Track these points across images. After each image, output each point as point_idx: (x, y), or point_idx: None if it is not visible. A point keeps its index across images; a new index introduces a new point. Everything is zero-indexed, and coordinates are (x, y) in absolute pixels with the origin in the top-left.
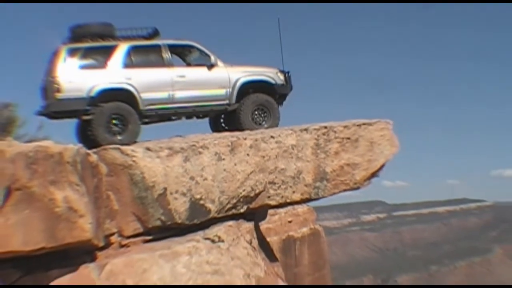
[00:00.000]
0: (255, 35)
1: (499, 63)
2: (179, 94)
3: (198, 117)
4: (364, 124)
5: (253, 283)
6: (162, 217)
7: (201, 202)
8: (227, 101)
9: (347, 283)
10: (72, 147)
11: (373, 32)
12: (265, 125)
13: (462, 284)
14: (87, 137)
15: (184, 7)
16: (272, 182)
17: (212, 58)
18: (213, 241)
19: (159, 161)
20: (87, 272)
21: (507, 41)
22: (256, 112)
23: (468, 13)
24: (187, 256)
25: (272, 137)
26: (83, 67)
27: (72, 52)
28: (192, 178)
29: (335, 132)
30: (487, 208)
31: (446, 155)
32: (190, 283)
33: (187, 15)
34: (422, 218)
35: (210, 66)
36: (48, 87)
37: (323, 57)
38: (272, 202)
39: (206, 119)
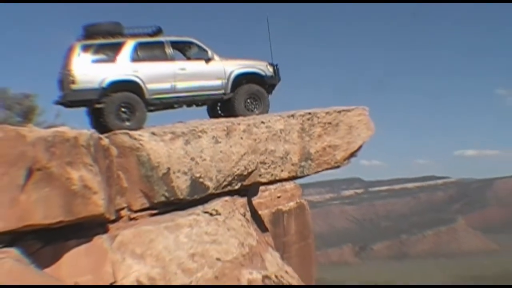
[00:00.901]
0: (249, 31)
1: (464, 47)
2: (181, 84)
3: (197, 105)
4: (343, 110)
5: (247, 251)
6: (166, 193)
7: (201, 180)
8: (223, 91)
9: (330, 250)
10: (86, 132)
11: (351, 26)
12: (257, 112)
13: (430, 250)
14: (99, 123)
15: (184, 6)
16: (263, 162)
17: (209, 52)
18: (211, 214)
19: (163, 144)
20: (100, 242)
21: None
22: (248, 100)
23: None
24: (188, 228)
25: (262, 122)
26: (95, 61)
27: (85, 48)
28: (192, 159)
29: (318, 117)
30: (452, 184)
31: (415, 138)
32: (191, 251)
33: (187, 13)
34: (394, 193)
35: (208, 60)
36: (64, 79)
37: (308, 49)
38: (263, 180)
39: (205, 107)
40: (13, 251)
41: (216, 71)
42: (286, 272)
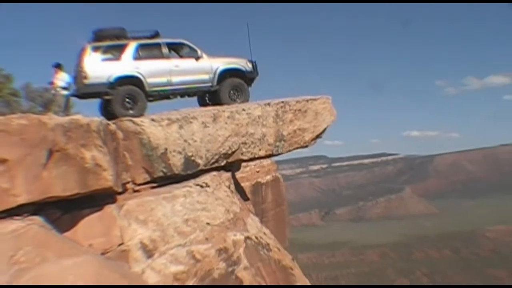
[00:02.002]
0: (234, 30)
1: (412, 45)
2: (175, 79)
3: (189, 95)
4: (311, 99)
5: (231, 216)
6: (164, 170)
7: (192, 158)
8: (210, 84)
9: (300, 215)
10: (97, 119)
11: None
12: (239, 101)
13: (382, 214)
14: (108, 111)
15: (176, 7)
16: (244, 143)
17: (199, 52)
18: (201, 186)
19: (161, 129)
20: (110, 211)
21: None
22: (231, 92)
23: None
24: (183, 198)
25: (243, 110)
26: (104, 60)
27: (95, 49)
28: (185, 140)
29: (289, 105)
30: (400, 159)
31: (370, 121)
32: (185, 217)
33: (176, 12)
34: (353, 167)
35: (197, 58)
36: (78, 75)
37: (282, 44)
38: (244, 157)
39: (195, 97)
40: (38, 219)
41: (204, 67)
42: (264, 233)
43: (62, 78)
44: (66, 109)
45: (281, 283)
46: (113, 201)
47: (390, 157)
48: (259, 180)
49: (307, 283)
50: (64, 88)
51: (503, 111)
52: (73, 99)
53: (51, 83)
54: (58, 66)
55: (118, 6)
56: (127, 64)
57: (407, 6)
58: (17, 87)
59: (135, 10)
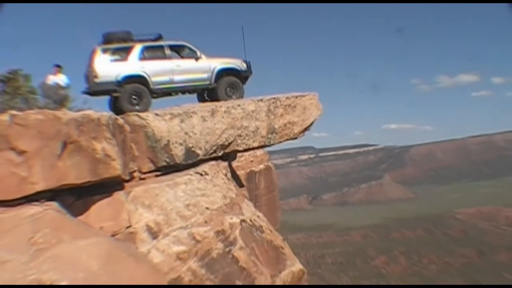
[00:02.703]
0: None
1: (391, 46)
2: (177, 77)
3: (189, 92)
4: (299, 95)
5: (228, 201)
6: (167, 159)
7: (193, 149)
8: (208, 82)
9: (290, 200)
10: (106, 114)
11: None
12: (234, 97)
13: (364, 199)
14: (116, 107)
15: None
16: (239, 135)
17: (198, 53)
18: (201, 174)
19: (164, 123)
20: (118, 197)
21: None
22: (228, 89)
23: None
24: (184, 185)
25: (239, 105)
26: (112, 60)
27: (105, 51)
28: (186, 133)
29: (280, 101)
30: (380, 149)
31: (354, 115)
32: (187, 202)
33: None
34: (338, 156)
35: (197, 58)
36: (89, 75)
37: (271, 45)
38: (240, 148)
39: (195, 94)
40: (54, 204)
41: (203, 67)
42: (258, 216)
43: (60, 79)
44: (59, 106)
45: (273, 262)
46: (121, 188)
47: (371, 148)
48: (253, 168)
49: (297, 261)
50: (62, 88)
51: (471, 106)
52: (85, 96)
53: (57, 84)
54: (59, 67)
55: (124, 7)
56: (134, 64)
57: (386, 6)
58: (34, 85)
59: (139, 10)
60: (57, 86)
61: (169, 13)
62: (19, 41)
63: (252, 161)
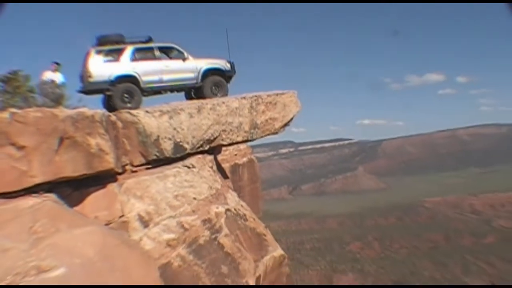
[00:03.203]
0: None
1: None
2: (165, 77)
3: (177, 91)
4: (279, 93)
5: (214, 192)
6: (157, 153)
7: (181, 143)
8: (195, 81)
9: (271, 190)
10: (100, 111)
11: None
12: (219, 95)
13: (340, 189)
14: (109, 105)
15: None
16: (224, 130)
17: (185, 54)
18: (188, 167)
19: (154, 119)
20: (112, 188)
21: None
22: (213, 87)
23: None
24: (173, 177)
25: (223, 102)
26: (106, 61)
27: (98, 52)
28: (174, 129)
29: (262, 99)
30: (354, 143)
31: (330, 111)
32: (175, 193)
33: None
34: (316, 150)
35: (184, 59)
36: (84, 75)
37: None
38: (224, 143)
39: (182, 92)
40: (52, 196)
41: (190, 67)
42: (242, 206)
43: (56, 77)
44: (56, 104)
45: (256, 248)
46: (115, 180)
47: (346, 142)
48: (236, 161)
49: (278, 247)
50: (57, 86)
51: (438, 103)
52: (80, 95)
53: (52, 80)
54: (57, 65)
55: (118, 9)
56: (125, 65)
57: (362, 6)
58: (32, 84)
59: (132, 12)
60: (53, 84)
61: (156, 16)
62: (18, 41)
63: (236, 155)
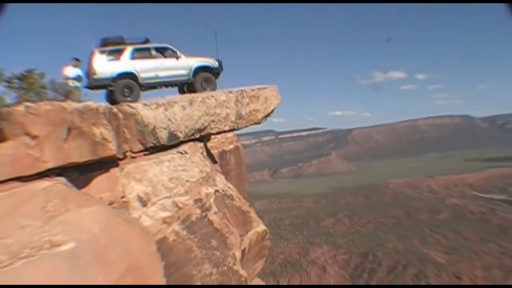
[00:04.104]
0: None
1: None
2: (161, 73)
3: (171, 86)
4: (262, 88)
5: (204, 175)
6: (154, 141)
7: (175, 132)
8: (187, 77)
9: (255, 174)
10: (103, 104)
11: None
12: (208, 90)
13: (315, 172)
14: (111, 99)
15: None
16: (213, 121)
17: (178, 53)
18: (181, 153)
19: (151, 111)
20: (114, 172)
21: None
22: (203, 83)
23: None
24: (168, 162)
25: (212, 96)
26: (108, 60)
27: (101, 52)
28: (169, 119)
29: (246, 92)
30: (328, 132)
31: (306, 104)
32: (170, 176)
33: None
34: (294, 138)
35: (177, 58)
36: (89, 72)
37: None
38: (213, 131)
39: (176, 87)
40: (62, 179)
41: (183, 65)
42: (229, 187)
43: (76, 72)
44: (67, 99)
45: (241, 224)
46: (116, 165)
47: (320, 131)
48: (224, 148)
49: (261, 223)
50: (76, 80)
51: (400, 97)
52: (86, 90)
53: (79, 76)
54: (78, 61)
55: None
56: (126, 63)
57: (336, 6)
58: (45, 81)
59: (134, 15)
60: (79, 79)
61: (153, 17)
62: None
63: (223, 142)
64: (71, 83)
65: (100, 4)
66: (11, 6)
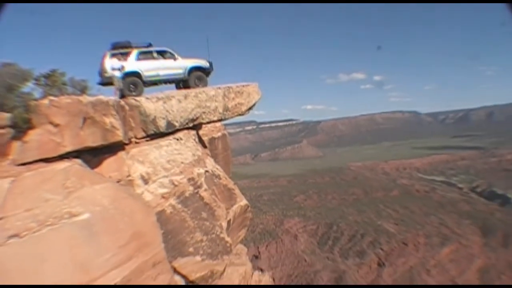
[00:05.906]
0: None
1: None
2: (161, 72)
3: (170, 83)
4: (245, 85)
5: (196, 158)
6: (154, 129)
7: (172, 122)
8: (183, 76)
9: (239, 157)
10: (112, 98)
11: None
12: (200, 86)
13: (289, 156)
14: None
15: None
16: (204, 112)
17: (176, 55)
18: (177, 139)
19: (152, 104)
20: (121, 155)
21: None
22: (196, 80)
23: None
24: (166, 147)
25: (203, 91)
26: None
27: (112, 54)
28: (167, 111)
29: (232, 88)
30: (300, 123)
31: (283, 99)
32: (168, 159)
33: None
34: (272, 128)
35: (175, 59)
36: (101, 71)
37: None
38: (204, 121)
39: (173, 84)
40: (78, 161)
41: (179, 65)
42: (217, 168)
43: (120, 63)
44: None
45: (227, 199)
46: (123, 149)
47: (294, 122)
48: (213, 135)
49: (243, 198)
50: (119, 70)
51: (360, 95)
52: (99, 86)
53: (122, 66)
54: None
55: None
56: (132, 63)
57: (310, 6)
58: (65, 79)
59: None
60: (122, 69)
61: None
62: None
63: (212, 130)
64: (116, 73)
65: (100, 3)
66: (10, 6)
